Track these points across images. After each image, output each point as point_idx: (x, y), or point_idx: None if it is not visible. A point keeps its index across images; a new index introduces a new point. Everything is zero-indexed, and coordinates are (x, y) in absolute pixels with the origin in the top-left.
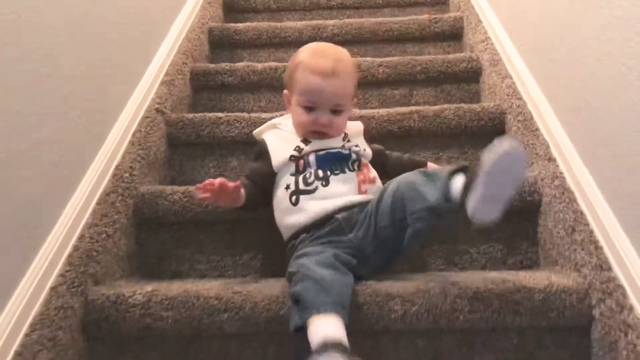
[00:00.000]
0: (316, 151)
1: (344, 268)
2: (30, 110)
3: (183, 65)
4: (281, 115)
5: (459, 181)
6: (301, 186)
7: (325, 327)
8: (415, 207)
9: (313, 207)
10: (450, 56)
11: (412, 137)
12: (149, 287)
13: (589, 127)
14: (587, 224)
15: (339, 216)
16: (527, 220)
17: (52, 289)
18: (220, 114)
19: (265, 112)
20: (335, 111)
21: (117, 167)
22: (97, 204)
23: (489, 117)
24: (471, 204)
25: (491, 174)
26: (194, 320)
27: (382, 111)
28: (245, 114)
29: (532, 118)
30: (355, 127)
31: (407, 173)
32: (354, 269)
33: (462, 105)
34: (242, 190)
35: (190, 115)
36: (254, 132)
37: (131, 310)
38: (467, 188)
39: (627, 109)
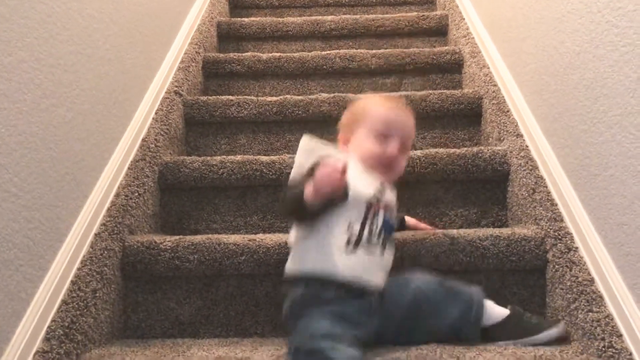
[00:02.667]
0: (385, 208)
1: None
2: (75, 85)
3: (196, 54)
4: None
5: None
6: (364, 238)
7: None
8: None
9: (367, 272)
10: (436, 49)
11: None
12: (176, 236)
13: (549, 105)
14: (546, 186)
15: (373, 300)
16: (497, 188)
17: (97, 235)
18: (231, 97)
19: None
20: (402, 148)
21: (143, 139)
22: (129, 168)
23: (468, 101)
24: None
25: None
26: (216, 262)
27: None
28: (253, 97)
29: (504, 101)
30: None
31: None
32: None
33: (445, 91)
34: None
35: (204, 98)
36: (302, 144)
37: (162, 254)
38: None
39: (577, 86)
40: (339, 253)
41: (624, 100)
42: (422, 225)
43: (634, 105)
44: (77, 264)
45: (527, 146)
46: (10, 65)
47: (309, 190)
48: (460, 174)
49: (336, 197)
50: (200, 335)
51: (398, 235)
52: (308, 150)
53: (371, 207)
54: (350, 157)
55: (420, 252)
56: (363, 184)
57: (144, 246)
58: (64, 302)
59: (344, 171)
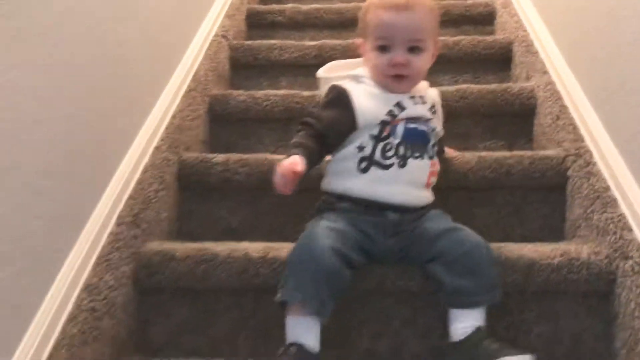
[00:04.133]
0: (407, 120)
1: (353, 266)
2: (130, 31)
3: (241, 4)
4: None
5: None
6: (377, 156)
7: (303, 331)
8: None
9: (379, 188)
10: (469, 1)
11: (435, 64)
12: (227, 154)
13: (574, 39)
14: (569, 113)
15: (390, 215)
16: (524, 122)
17: (157, 147)
18: (273, 41)
19: None
20: (413, 49)
21: (195, 73)
22: (183, 96)
23: (499, 46)
24: None
25: None
26: (263, 174)
27: None
28: (294, 42)
29: (533, 44)
30: (438, 99)
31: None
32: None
33: (477, 36)
34: (304, 163)
35: (249, 42)
36: (320, 74)
37: (214, 167)
38: None
39: (598, 15)
40: (353, 174)
41: None
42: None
43: None
44: (140, 169)
45: (553, 81)
46: None
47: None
48: (490, 108)
49: (344, 130)
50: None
51: None
52: (326, 79)
53: (386, 125)
54: (366, 77)
55: (449, 169)
56: (372, 108)
57: (198, 160)
58: (130, 197)
59: (295, 180)
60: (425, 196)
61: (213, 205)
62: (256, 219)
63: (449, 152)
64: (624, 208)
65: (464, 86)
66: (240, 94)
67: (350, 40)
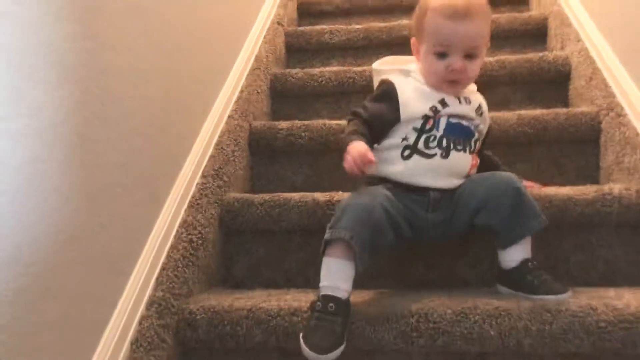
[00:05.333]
0: (450, 115)
1: (397, 231)
2: (205, 16)
3: None
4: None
5: None
6: (420, 145)
7: (341, 274)
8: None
9: (421, 174)
10: None
11: None
12: (290, 121)
13: (606, 5)
14: (601, 74)
15: (431, 193)
16: (560, 88)
17: (230, 116)
18: (324, 26)
19: None
20: (469, 56)
21: (257, 55)
22: (249, 74)
23: (535, 22)
24: None
25: None
26: (322, 138)
27: None
28: (342, 26)
29: (567, 17)
30: (485, 104)
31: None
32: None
33: (514, 13)
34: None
35: (302, 28)
36: (375, 66)
37: (280, 132)
38: None
39: None
40: (396, 161)
41: None
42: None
43: None
44: (218, 133)
45: (586, 47)
46: None
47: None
48: (527, 75)
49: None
50: None
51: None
52: (379, 71)
53: (428, 119)
54: (415, 73)
55: (491, 126)
56: (417, 102)
57: (266, 127)
58: (212, 155)
59: (364, 163)
60: (461, 182)
61: (279, 167)
62: (317, 177)
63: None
64: None
65: (503, 56)
66: (297, 72)
67: (394, 22)
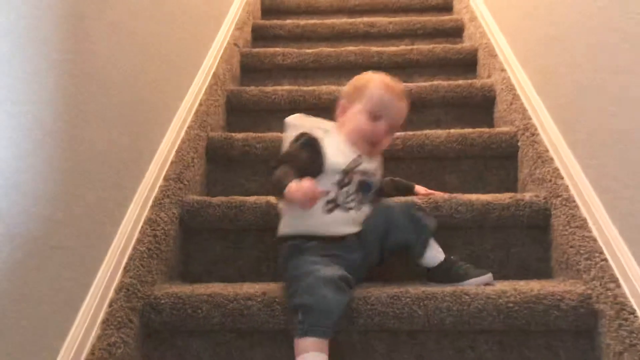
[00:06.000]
0: (362, 173)
1: (346, 288)
2: (164, 35)
3: (247, 19)
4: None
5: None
6: (340, 200)
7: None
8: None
9: (342, 226)
10: (442, 17)
11: (412, 67)
12: (246, 133)
13: (523, 40)
14: (520, 99)
15: (348, 238)
16: (486, 111)
17: (189, 127)
18: (277, 49)
19: None
20: (391, 128)
21: (214, 73)
22: (206, 90)
23: (467, 52)
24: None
25: None
26: (275, 148)
27: (392, 48)
28: (294, 50)
29: (494, 48)
30: (380, 160)
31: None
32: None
33: (448, 45)
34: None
35: (256, 49)
36: (290, 121)
37: (235, 142)
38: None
39: (546, 25)
40: (318, 214)
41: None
42: (433, 192)
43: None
44: (179, 141)
45: (508, 77)
46: None
47: (287, 191)
48: (457, 99)
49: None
50: None
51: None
52: (295, 125)
53: (346, 174)
54: (333, 132)
55: (424, 143)
56: (339, 156)
57: (222, 137)
58: (173, 162)
59: (314, 198)
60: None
61: (234, 175)
62: (270, 184)
63: (419, 189)
64: (557, 163)
65: (436, 83)
66: (252, 89)
67: (342, 49)
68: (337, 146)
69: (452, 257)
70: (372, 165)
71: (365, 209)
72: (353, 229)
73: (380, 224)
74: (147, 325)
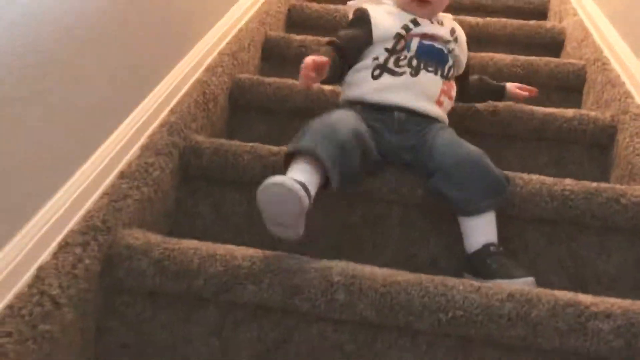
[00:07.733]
0: (422, 36)
1: (365, 151)
2: None
3: None
4: None
5: None
6: (390, 64)
7: (296, 172)
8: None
9: (388, 91)
10: None
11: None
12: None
13: None
14: (592, 37)
15: (396, 113)
16: (553, 53)
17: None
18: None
19: None
20: None
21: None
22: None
23: (539, 1)
24: None
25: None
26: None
27: None
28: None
29: None
30: (462, 32)
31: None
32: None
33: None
34: (326, 60)
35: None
36: (349, 3)
37: (292, 44)
38: None
39: None
40: (366, 81)
41: None
42: (527, 87)
43: None
44: (238, 26)
45: (581, 19)
46: None
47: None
48: (525, 38)
49: (362, 43)
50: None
51: None
52: (352, 5)
53: (400, 39)
54: (384, 2)
55: (489, 64)
56: (388, 22)
57: (280, 36)
58: (229, 42)
59: (315, 68)
60: (435, 110)
61: (288, 75)
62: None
63: (511, 88)
64: (629, 86)
65: (503, 20)
66: (314, 5)
67: None
68: (388, 13)
69: (494, 246)
70: (439, 30)
71: (432, 79)
72: (404, 98)
73: (434, 158)
74: (186, 170)
